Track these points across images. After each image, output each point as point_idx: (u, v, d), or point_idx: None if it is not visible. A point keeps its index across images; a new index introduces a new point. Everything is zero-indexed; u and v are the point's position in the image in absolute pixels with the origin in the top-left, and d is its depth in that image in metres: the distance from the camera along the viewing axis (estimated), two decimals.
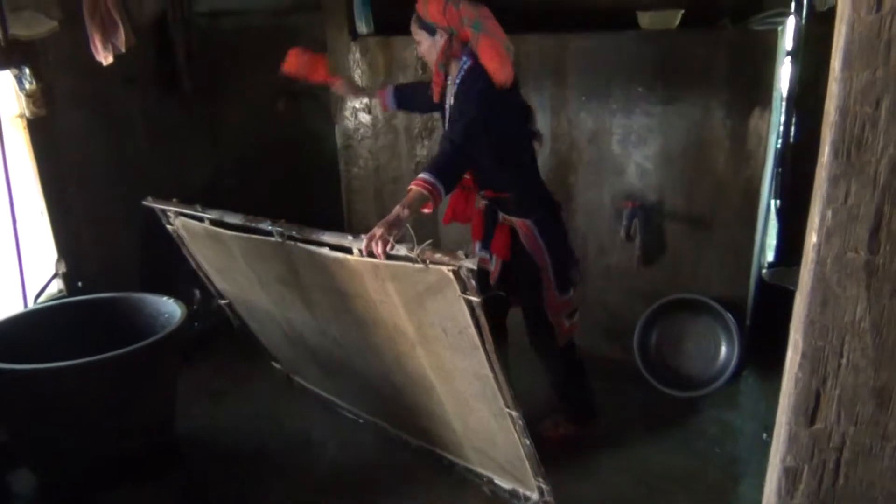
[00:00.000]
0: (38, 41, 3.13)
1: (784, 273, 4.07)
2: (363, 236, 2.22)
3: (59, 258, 3.43)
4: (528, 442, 2.43)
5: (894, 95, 1.00)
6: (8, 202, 3.19)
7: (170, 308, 3.11)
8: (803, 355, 1.16)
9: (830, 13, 3.79)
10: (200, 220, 2.83)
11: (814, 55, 3.81)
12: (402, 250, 2.15)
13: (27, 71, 3.13)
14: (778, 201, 4.16)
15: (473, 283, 2.05)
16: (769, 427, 3.20)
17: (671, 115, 3.35)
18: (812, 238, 1.11)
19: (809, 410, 1.19)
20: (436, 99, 2.76)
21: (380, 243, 2.15)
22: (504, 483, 2.78)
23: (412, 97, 3.05)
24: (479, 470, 2.86)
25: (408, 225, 2.22)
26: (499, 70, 2.52)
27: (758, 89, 3.20)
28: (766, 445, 3.11)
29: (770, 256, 4.31)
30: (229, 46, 4.78)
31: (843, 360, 1.14)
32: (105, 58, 3.16)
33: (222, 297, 3.35)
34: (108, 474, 2.82)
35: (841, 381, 1.15)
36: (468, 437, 2.73)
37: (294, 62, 3.07)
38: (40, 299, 3.37)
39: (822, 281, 1.12)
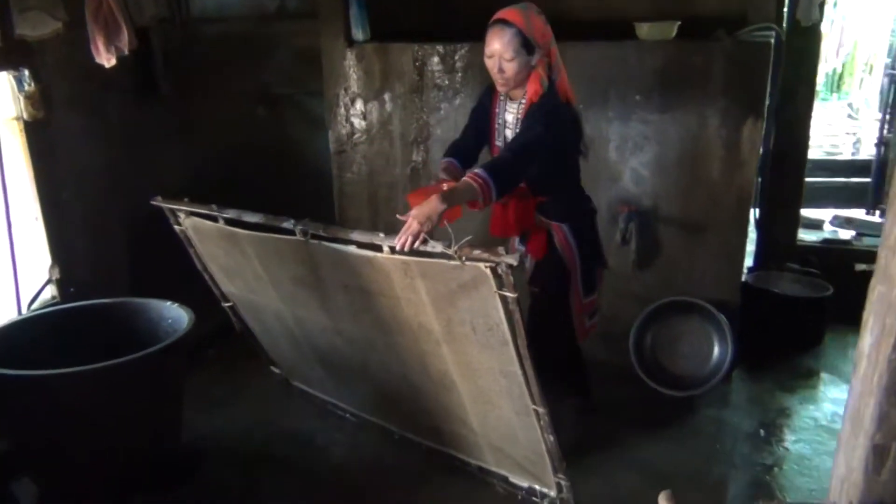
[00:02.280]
0: (36, 42, 3.07)
1: (765, 276, 4.23)
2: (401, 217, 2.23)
3: (52, 264, 3.34)
4: (551, 438, 2.46)
5: None
6: (4, 207, 3.10)
7: (174, 313, 3.07)
8: None
9: (811, 29, 3.98)
10: (215, 219, 2.81)
11: (794, 69, 3.99)
12: (438, 247, 2.17)
13: (26, 72, 3.06)
14: (757, 209, 4.32)
15: (512, 279, 2.08)
16: (766, 424, 3.35)
17: (667, 123, 3.47)
18: None
19: None
20: (524, 112, 2.68)
21: (410, 238, 2.16)
22: (520, 481, 2.81)
23: (469, 155, 2.89)
24: (494, 469, 2.88)
25: (447, 222, 2.23)
26: (572, 93, 2.66)
27: (751, 99, 3.34)
28: (765, 442, 3.25)
29: (748, 262, 4.47)
30: (209, 52, 4.74)
31: None
32: (108, 60, 3.11)
33: (226, 300, 3.32)
34: (113, 484, 2.77)
35: None
36: (486, 434, 2.76)
37: None
38: (34, 305, 3.28)
39: None
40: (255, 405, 3.52)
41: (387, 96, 3.89)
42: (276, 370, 3.64)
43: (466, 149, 2.89)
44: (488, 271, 2.10)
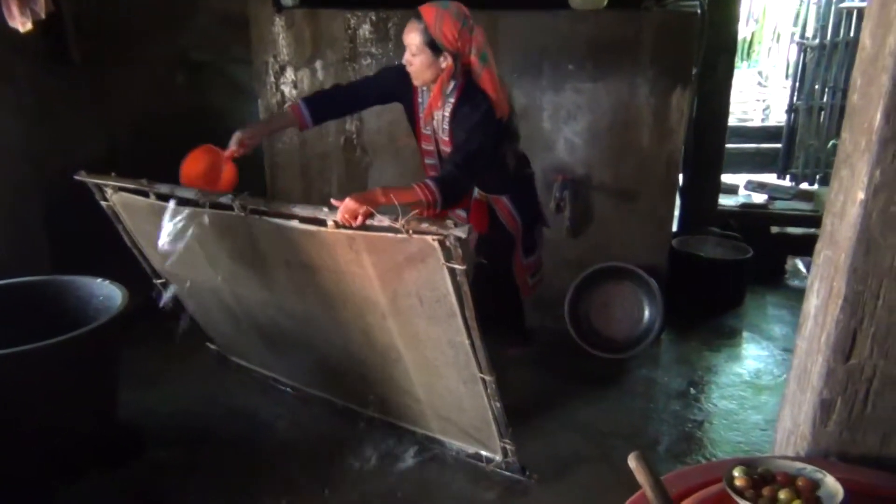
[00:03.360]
0: None
1: (690, 240, 4.39)
2: (335, 202, 2.20)
3: None
4: (498, 405, 2.51)
5: None
6: None
7: (105, 290, 2.97)
8: (845, 299, 1.31)
9: (731, 0, 4.11)
10: (145, 194, 2.71)
11: (715, 38, 4.11)
12: (385, 221, 2.15)
13: None
14: (681, 176, 4.47)
15: (461, 251, 2.09)
16: (694, 382, 3.50)
17: (599, 92, 3.53)
18: (859, 195, 1.25)
19: (846, 348, 1.34)
20: (425, 120, 2.72)
21: (348, 216, 2.15)
22: (467, 447, 2.86)
23: (329, 107, 2.90)
24: (440, 437, 2.92)
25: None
26: (497, 104, 2.57)
27: (679, 68, 3.44)
28: (694, 399, 3.39)
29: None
30: (124, 15, 4.53)
31: (880, 302, 1.30)
32: (23, 24, 2.91)
33: (158, 277, 3.22)
34: (49, 468, 2.67)
35: (876, 320, 1.31)
36: (432, 404, 2.79)
37: (192, 174, 2.73)
38: None
39: (866, 232, 1.26)
40: (192, 382, 3.45)
41: (318, 64, 3.82)
42: (213, 346, 3.57)
43: (334, 103, 2.87)
44: (436, 244, 2.09)
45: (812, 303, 1.44)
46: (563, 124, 3.61)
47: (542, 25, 3.50)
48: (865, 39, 1.28)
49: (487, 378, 2.43)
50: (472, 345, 2.35)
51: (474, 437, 2.78)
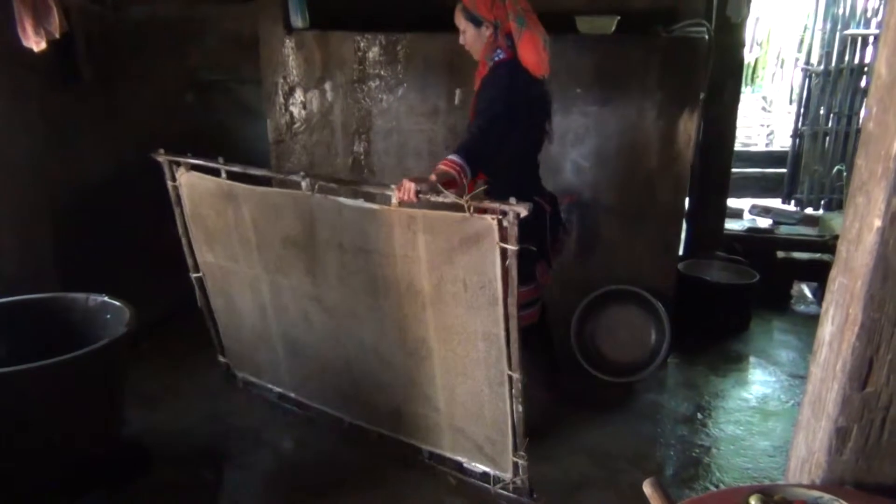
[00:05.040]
0: None
1: (696, 264, 4.39)
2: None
3: None
4: (520, 408, 2.53)
5: None
6: None
7: (113, 308, 2.97)
8: (861, 326, 1.31)
9: (737, 25, 4.14)
10: (217, 173, 2.91)
11: (721, 63, 4.13)
12: (450, 197, 2.28)
13: None
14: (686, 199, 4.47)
15: (517, 230, 2.20)
16: (701, 407, 3.48)
17: (607, 115, 3.55)
18: (876, 222, 1.25)
19: (863, 376, 1.34)
20: (476, 87, 2.87)
21: (411, 189, 2.31)
22: (475, 466, 2.83)
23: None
24: (449, 455, 2.89)
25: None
26: (537, 65, 2.72)
27: (687, 92, 3.46)
28: (701, 424, 3.37)
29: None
30: (134, 36, 4.57)
31: None
32: (37, 43, 2.96)
33: (196, 270, 3.32)
34: (53, 486, 2.66)
35: (893, 348, 1.30)
36: (450, 413, 2.77)
37: None
38: None
39: (884, 259, 1.26)
40: (197, 400, 3.44)
41: (327, 85, 3.84)
42: (222, 359, 3.55)
43: None
44: (494, 223, 2.21)
45: (827, 329, 1.43)
46: (570, 147, 3.62)
47: (550, 50, 3.51)
48: (881, 68, 1.28)
49: (515, 376, 2.47)
50: (508, 337, 2.40)
51: (486, 454, 2.76)
